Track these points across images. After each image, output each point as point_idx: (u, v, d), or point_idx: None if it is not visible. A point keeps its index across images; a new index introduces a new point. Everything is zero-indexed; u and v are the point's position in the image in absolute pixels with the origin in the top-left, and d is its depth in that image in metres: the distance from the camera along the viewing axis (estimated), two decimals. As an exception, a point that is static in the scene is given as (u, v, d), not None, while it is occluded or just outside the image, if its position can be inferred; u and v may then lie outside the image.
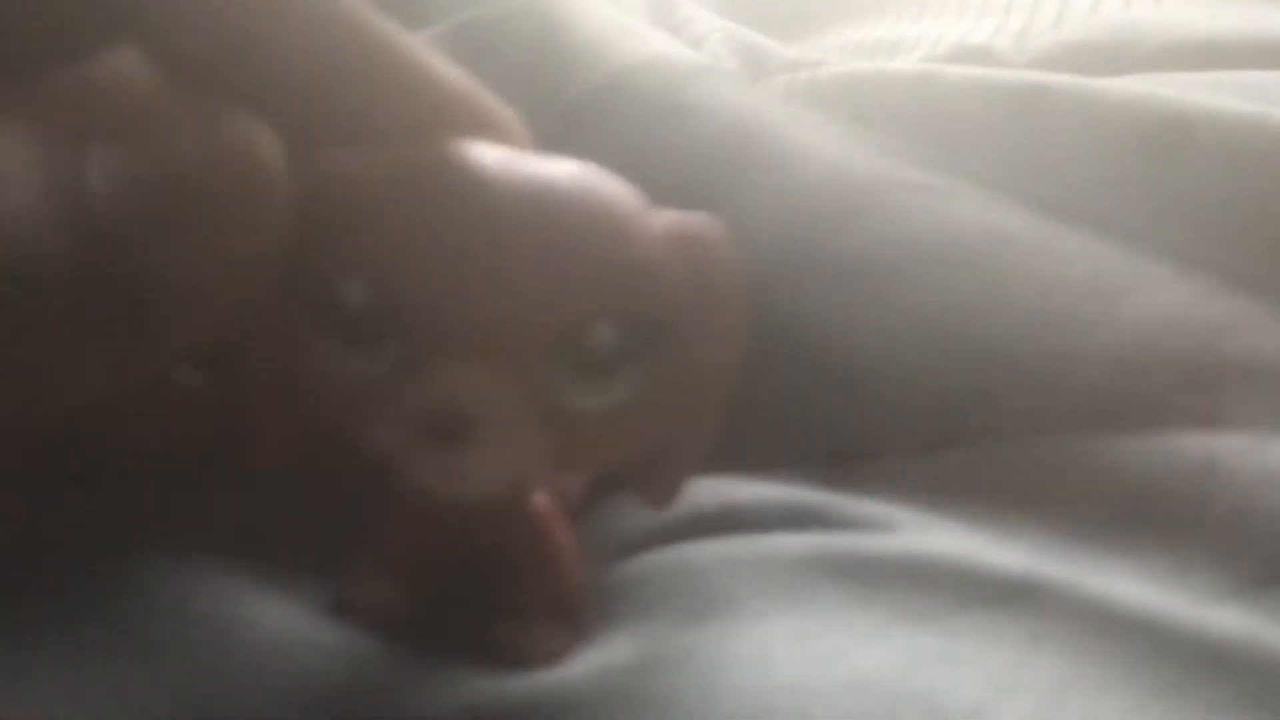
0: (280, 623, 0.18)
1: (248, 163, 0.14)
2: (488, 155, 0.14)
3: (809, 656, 0.17)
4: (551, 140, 0.17)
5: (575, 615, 0.19)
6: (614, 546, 0.21)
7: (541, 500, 0.19)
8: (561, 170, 0.15)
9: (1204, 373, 0.22)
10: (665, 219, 0.15)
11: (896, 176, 0.30)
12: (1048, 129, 0.32)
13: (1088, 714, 0.15)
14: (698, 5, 0.49)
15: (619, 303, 0.15)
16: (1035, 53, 0.42)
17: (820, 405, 0.24)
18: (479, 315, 0.14)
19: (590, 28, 0.35)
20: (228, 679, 0.17)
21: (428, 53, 0.16)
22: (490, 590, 0.19)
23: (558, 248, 0.14)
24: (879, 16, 0.52)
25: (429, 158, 0.15)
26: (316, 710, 0.17)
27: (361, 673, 0.18)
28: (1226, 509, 0.19)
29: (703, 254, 0.15)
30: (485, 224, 0.14)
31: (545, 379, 0.14)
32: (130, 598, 0.19)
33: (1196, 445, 0.21)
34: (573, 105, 0.31)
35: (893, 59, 0.46)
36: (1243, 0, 0.43)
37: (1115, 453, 0.21)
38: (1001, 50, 0.42)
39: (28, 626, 0.18)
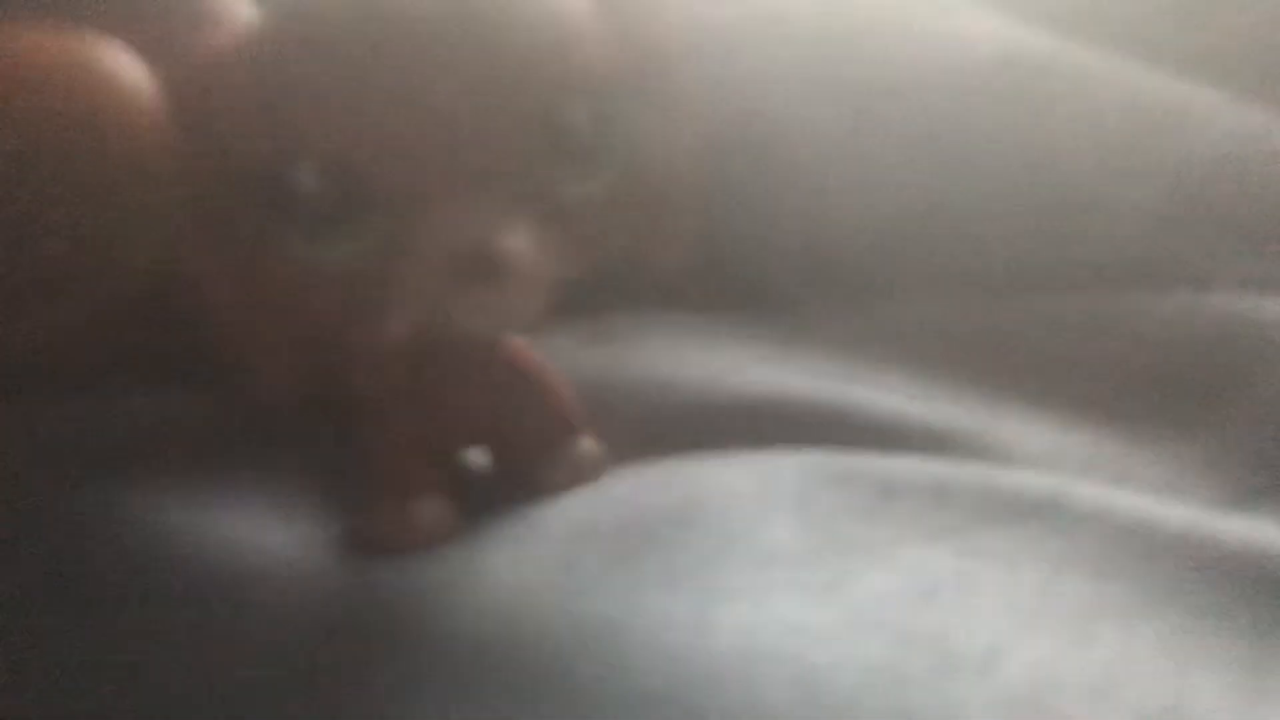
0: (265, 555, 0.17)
1: (101, 83, 0.14)
2: None
3: (809, 585, 0.15)
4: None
5: (588, 430, 0.19)
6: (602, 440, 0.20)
7: (514, 341, 0.19)
8: None
9: (1252, 241, 0.20)
10: None
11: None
12: None
13: (1119, 647, 0.14)
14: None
15: (572, 77, 0.14)
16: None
17: (831, 236, 0.22)
18: (452, 153, 0.14)
19: None
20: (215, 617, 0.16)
21: None
22: (510, 453, 0.19)
23: (504, 46, 0.14)
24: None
25: (336, 20, 0.14)
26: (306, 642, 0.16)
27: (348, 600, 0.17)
28: (1273, 388, 0.18)
29: (629, 9, 0.15)
30: (420, 56, 0.13)
31: (541, 182, 0.14)
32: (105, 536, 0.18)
33: (1246, 310, 0.19)
34: None
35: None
36: None
37: (1157, 314, 0.19)
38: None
39: None
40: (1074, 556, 0.15)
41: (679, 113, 0.16)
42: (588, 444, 0.19)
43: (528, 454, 0.19)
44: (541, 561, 0.16)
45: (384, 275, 0.14)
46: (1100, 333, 0.20)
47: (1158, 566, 0.15)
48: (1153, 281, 0.20)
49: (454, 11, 0.14)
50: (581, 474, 0.19)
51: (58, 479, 0.19)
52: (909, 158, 0.23)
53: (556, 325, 0.20)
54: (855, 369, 0.20)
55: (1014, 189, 0.22)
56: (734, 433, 0.19)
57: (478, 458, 0.20)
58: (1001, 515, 0.16)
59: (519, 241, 0.14)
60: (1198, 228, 0.20)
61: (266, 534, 0.18)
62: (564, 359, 0.20)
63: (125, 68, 0.14)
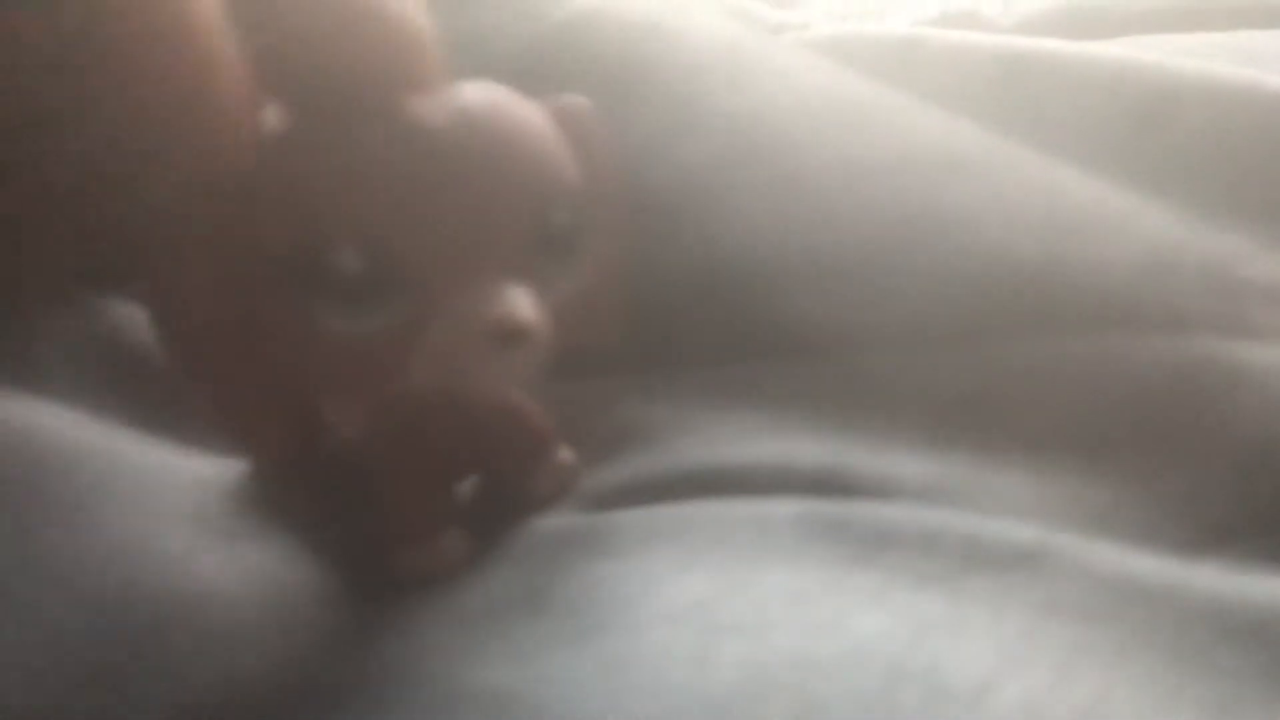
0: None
1: (180, 31, 0.13)
2: (420, 104, 0.16)
3: (807, 622, 0.16)
4: (525, 67, 0.18)
5: (559, 442, 0.21)
6: (601, 497, 0.21)
7: None
8: (477, 95, 0.17)
9: (1228, 284, 0.21)
10: (545, 107, 0.18)
11: (890, 96, 0.29)
12: (1035, 97, 0.32)
13: (1101, 687, 0.15)
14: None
15: (558, 185, 0.17)
16: (1022, 16, 0.41)
17: (812, 299, 0.23)
18: (471, 241, 0.16)
19: None
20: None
21: None
22: (498, 475, 0.21)
23: (510, 160, 0.16)
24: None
25: (380, 123, 0.16)
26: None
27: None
28: (1250, 427, 0.19)
29: (581, 128, 0.18)
30: (447, 164, 0.16)
31: (535, 271, 0.17)
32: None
33: (1224, 353, 0.20)
34: (544, 35, 0.30)
35: (880, 23, 0.45)
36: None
37: (1137, 355, 0.20)
38: (989, 14, 0.41)
39: None
40: (1057, 603, 0.16)
41: (616, 218, 0.19)
42: (564, 453, 0.21)
43: (513, 474, 0.21)
44: (545, 601, 0.17)
45: (410, 343, 0.16)
46: (1080, 377, 0.20)
47: (1136, 614, 0.16)
48: (1131, 326, 0.21)
49: (473, 138, 0.16)
50: (561, 483, 0.21)
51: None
52: (886, 216, 0.24)
53: (567, 387, 0.22)
54: (851, 423, 0.21)
55: (992, 250, 0.23)
56: (733, 492, 0.20)
57: (466, 486, 0.21)
58: (988, 564, 0.17)
59: (534, 312, 0.16)
60: (1172, 281, 0.22)
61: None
62: (571, 419, 0.22)
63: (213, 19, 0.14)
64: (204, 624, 0.18)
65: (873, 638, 0.15)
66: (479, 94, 0.17)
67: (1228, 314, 0.21)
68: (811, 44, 0.38)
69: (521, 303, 0.16)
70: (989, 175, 0.25)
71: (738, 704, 0.14)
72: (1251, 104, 0.28)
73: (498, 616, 0.17)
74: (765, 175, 0.26)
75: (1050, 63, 0.32)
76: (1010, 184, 0.25)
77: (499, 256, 0.16)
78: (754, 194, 0.26)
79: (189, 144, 0.14)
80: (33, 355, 0.21)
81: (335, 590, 0.19)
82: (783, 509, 0.18)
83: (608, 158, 0.18)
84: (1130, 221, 0.23)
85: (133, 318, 0.23)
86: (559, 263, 0.17)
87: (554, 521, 0.20)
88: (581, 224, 0.17)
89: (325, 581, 0.19)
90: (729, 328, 0.24)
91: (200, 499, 0.21)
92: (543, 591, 0.17)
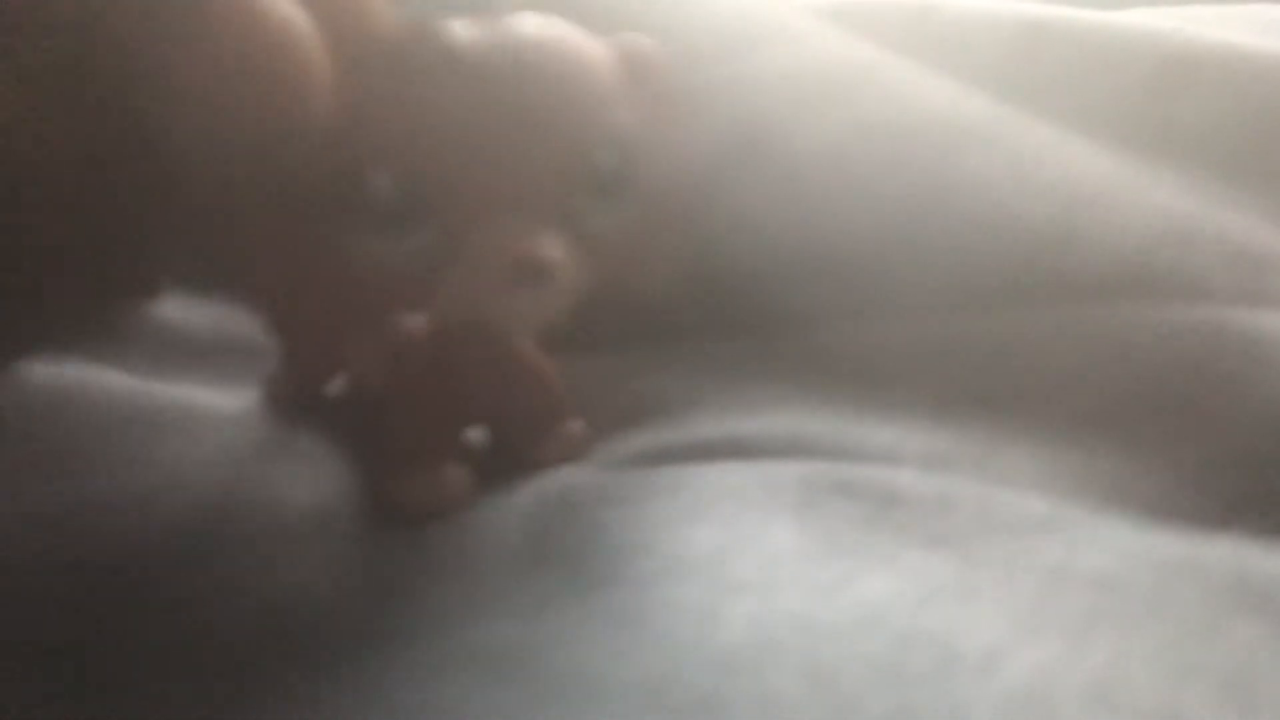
0: None
1: (284, 44, 0.14)
2: (465, 31, 0.16)
3: (815, 583, 0.15)
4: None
5: (574, 413, 0.22)
6: (612, 459, 0.21)
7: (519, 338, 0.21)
8: (529, 26, 0.16)
9: (1246, 253, 0.21)
10: (611, 45, 0.17)
11: (900, 64, 0.29)
12: (1052, 65, 0.31)
13: (1114, 656, 0.14)
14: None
15: (605, 125, 0.17)
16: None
17: (824, 270, 0.23)
18: (505, 177, 0.16)
19: None
20: None
21: None
22: (508, 432, 0.22)
23: (553, 96, 0.16)
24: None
25: (419, 47, 0.16)
26: None
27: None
28: (1267, 397, 0.18)
29: (648, 69, 0.18)
30: (486, 95, 0.16)
31: (573, 210, 0.16)
32: None
33: (1241, 322, 0.19)
34: None
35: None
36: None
37: (1152, 324, 0.20)
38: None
39: None
40: (1071, 569, 0.16)
41: (681, 158, 0.18)
42: (576, 425, 0.22)
43: (523, 433, 0.21)
44: (550, 554, 0.17)
45: (439, 273, 0.16)
46: (1094, 347, 0.20)
47: (1150, 584, 0.15)
48: (1147, 295, 0.21)
49: (517, 70, 0.16)
50: (569, 451, 0.21)
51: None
52: (900, 184, 0.24)
53: (580, 361, 0.22)
54: (862, 396, 0.20)
55: (1008, 219, 0.23)
56: (744, 453, 0.20)
57: (476, 435, 0.22)
58: (1000, 528, 0.16)
59: (559, 253, 0.16)
60: (1191, 250, 0.21)
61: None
62: (585, 392, 0.22)
63: (311, 34, 0.14)
64: (223, 564, 0.18)
65: (882, 601, 0.15)
66: (530, 27, 0.16)
67: (1245, 283, 0.20)
68: (820, 11, 0.37)
69: (545, 241, 0.16)
70: (1002, 144, 0.25)
71: (746, 663, 0.14)
72: (1269, 73, 0.27)
73: (503, 571, 0.17)
74: (773, 147, 0.26)
75: (1067, 30, 0.32)
76: (1024, 153, 0.24)
77: (533, 193, 0.16)
78: (764, 165, 0.25)
79: (272, 113, 0.14)
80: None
81: (338, 547, 0.18)
82: (790, 468, 0.18)
83: (672, 100, 0.18)
84: (1147, 190, 0.23)
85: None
86: (603, 205, 0.17)
87: (560, 477, 0.20)
88: (631, 167, 0.17)
89: (327, 539, 0.19)
90: (740, 301, 0.23)
91: (224, 442, 0.21)
92: (548, 544, 0.17)
